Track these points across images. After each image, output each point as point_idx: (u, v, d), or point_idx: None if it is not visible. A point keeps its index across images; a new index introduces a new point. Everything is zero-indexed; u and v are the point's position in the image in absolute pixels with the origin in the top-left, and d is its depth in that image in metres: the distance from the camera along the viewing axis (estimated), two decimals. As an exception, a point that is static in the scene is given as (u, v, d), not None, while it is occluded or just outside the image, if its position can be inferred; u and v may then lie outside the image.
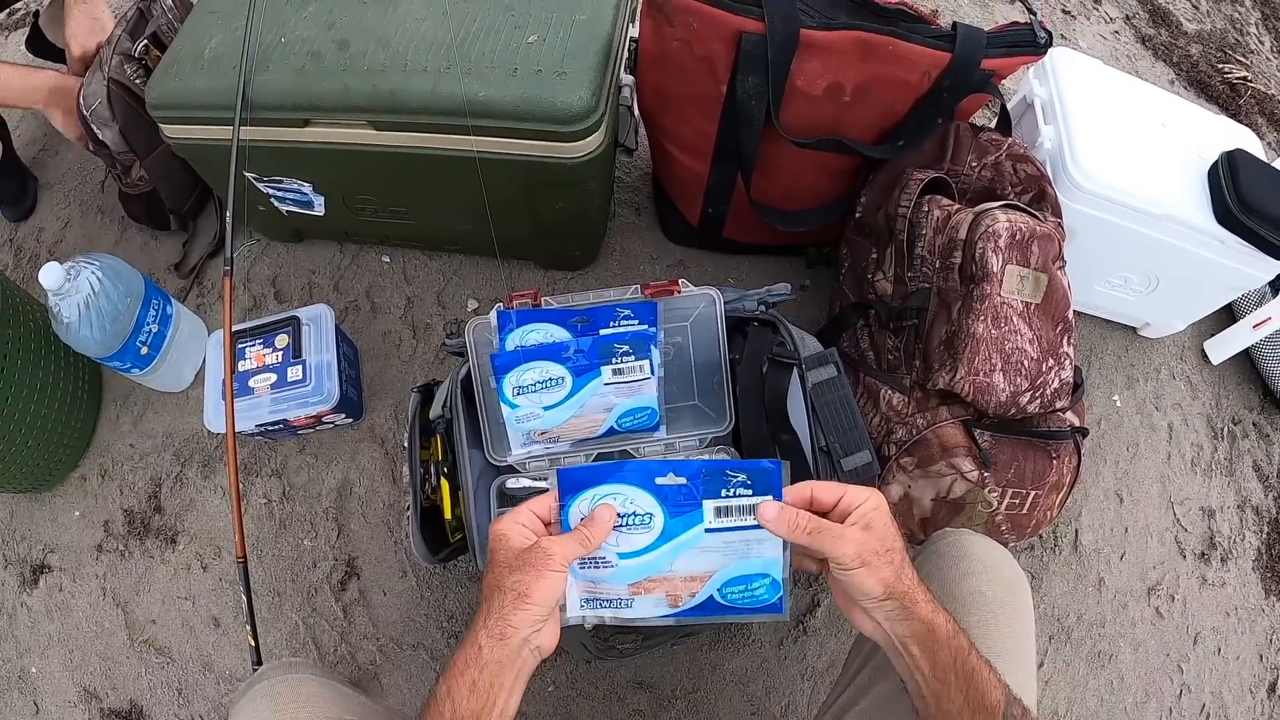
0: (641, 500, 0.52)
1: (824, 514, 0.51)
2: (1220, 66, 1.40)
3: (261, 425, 0.94)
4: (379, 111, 0.82)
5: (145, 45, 1.03)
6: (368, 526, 1.01)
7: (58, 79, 1.05)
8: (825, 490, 0.51)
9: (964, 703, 0.48)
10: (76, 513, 1.06)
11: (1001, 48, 0.82)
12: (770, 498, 0.51)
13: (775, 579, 0.54)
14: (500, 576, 0.49)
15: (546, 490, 0.64)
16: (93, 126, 1.01)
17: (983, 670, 0.48)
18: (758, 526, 0.52)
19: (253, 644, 0.80)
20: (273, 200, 0.99)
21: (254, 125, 0.85)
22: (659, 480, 0.52)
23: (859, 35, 0.77)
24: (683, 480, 0.52)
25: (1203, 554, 1.06)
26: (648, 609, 0.54)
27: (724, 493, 0.52)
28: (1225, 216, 0.93)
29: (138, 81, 1.01)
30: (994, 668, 0.49)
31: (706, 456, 0.76)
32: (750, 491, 0.52)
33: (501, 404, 0.74)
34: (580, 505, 0.52)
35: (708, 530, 0.52)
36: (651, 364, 0.74)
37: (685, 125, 0.89)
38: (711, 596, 0.54)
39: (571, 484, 0.53)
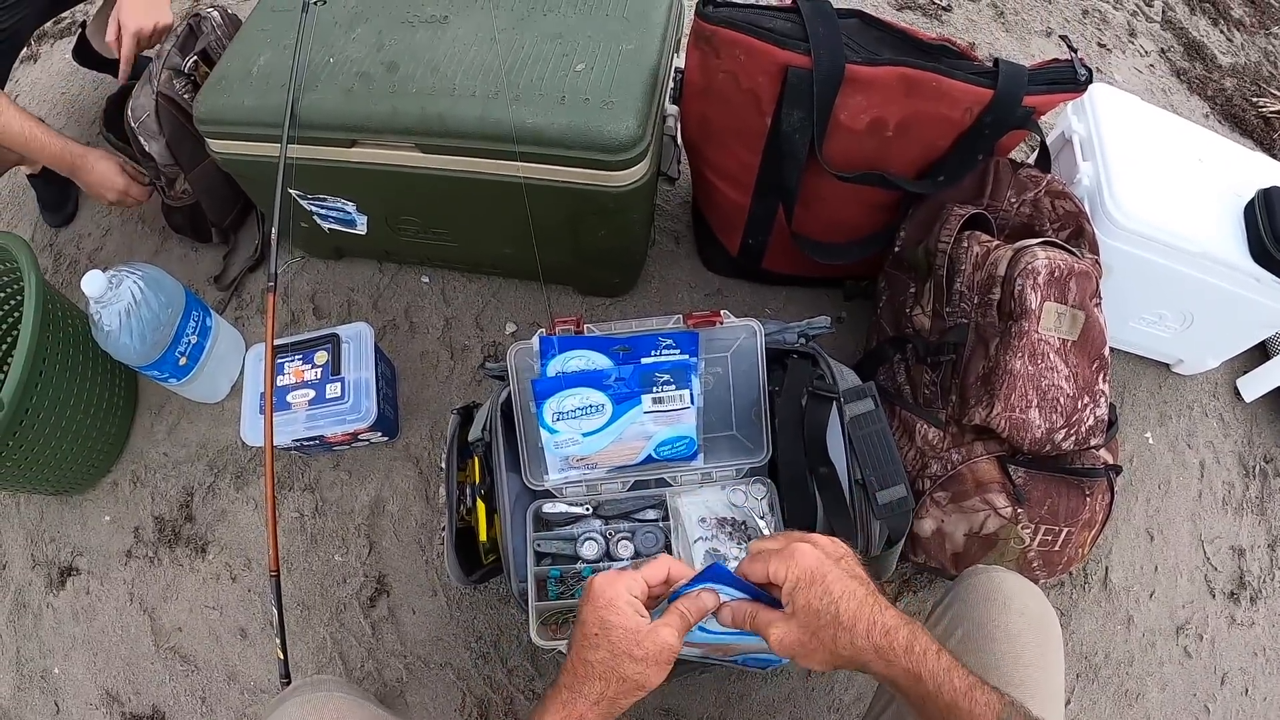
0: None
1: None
2: (1255, 100, 1.40)
3: (297, 440, 0.95)
4: (426, 134, 0.83)
5: (195, 61, 1.05)
6: (399, 544, 1.01)
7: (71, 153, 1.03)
8: (753, 574, 0.52)
9: None
10: (107, 517, 1.07)
11: (1043, 85, 0.82)
12: (726, 604, 0.53)
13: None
14: (619, 661, 0.49)
15: (584, 514, 0.64)
16: (140, 139, 1.02)
17: (961, 706, 0.47)
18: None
19: (281, 658, 0.80)
20: (315, 218, 1.00)
21: (300, 144, 0.86)
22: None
23: (903, 71, 0.78)
24: None
25: (1232, 593, 1.05)
26: (686, 652, 0.57)
27: None
28: (1261, 254, 0.93)
29: (186, 96, 1.03)
30: (985, 690, 0.48)
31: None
32: None
33: (541, 429, 0.75)
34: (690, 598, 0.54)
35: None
36: (692, 394, 0.75)
37: (728, 156, 0.90)
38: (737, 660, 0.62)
39: (715, 578, 0.54)
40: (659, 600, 0.53)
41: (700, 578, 0.53)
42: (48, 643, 1.03)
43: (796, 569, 0.50)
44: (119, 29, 1.03)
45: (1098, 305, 0.84)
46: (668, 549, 0.75)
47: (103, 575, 1.05)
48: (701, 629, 0.55)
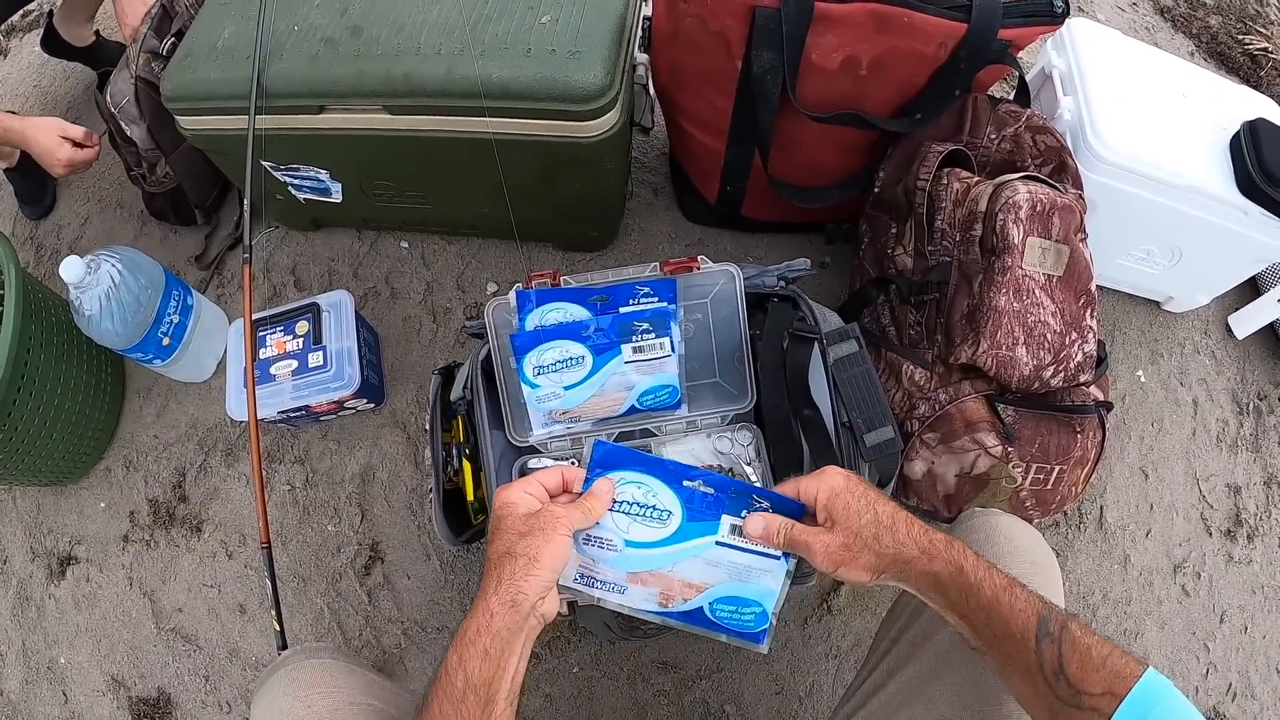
0: (665, 497, 0.54)
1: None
2: (1240, 38, 1.38)
3: (284, 412, 0.95)
4: (393, 96, 0.82)
5: (172, 43, 1.04)
6: (391, 511, 1.01)
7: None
8: (784, 491, 0.53)
9: (992, 634, 0.48)
10: (102, 504, 1.08)
11: (1018, 17, 0.80)
12: (758, 515, 0.52)
13: (765, 610, 0.55)
14: (510, 543, 0.49)
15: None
16: (120, 124, 1.01)
17: (1002, 600, 0.47)
18: (765, 554, 0.54)
19: (278, 629, 0.81)
20: (290, 189, 1.00)
21: (269, 114, 0.86)
22: (687, 482, 0.54)
23: (873, 7, 0.77)
24: (710, 490, 0.54)
25: (1229, 531, 1.05)
26: (638, 600, 0.55)
27: (744, 514, 0.53)
28: (1248, 187, 0.92)
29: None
30: (1023, 588, 0.48)
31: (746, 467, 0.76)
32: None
33: (522, 384, 0.74)
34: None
35: (718, 543, 0.54)
36: (672, 341, 0.74)
37: (701, 103, 0.89)
38: (701, 608, 0.55)
39: (605, 459, 0.54)
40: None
41: (592, 466, 0.53)
42: (52, 633, 1.04)
43: (829, 482, 0.51)
44: (130, 29, 1.04)
45: (1083, 240, 0.83)
46: (655, 498, 0.74)
47: (101, 562, 1.05)
48: (633, 544, 0.53)
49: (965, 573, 0.48)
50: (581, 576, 0.55)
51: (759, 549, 0.54)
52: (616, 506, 0.54)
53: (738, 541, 0.54)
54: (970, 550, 0.49)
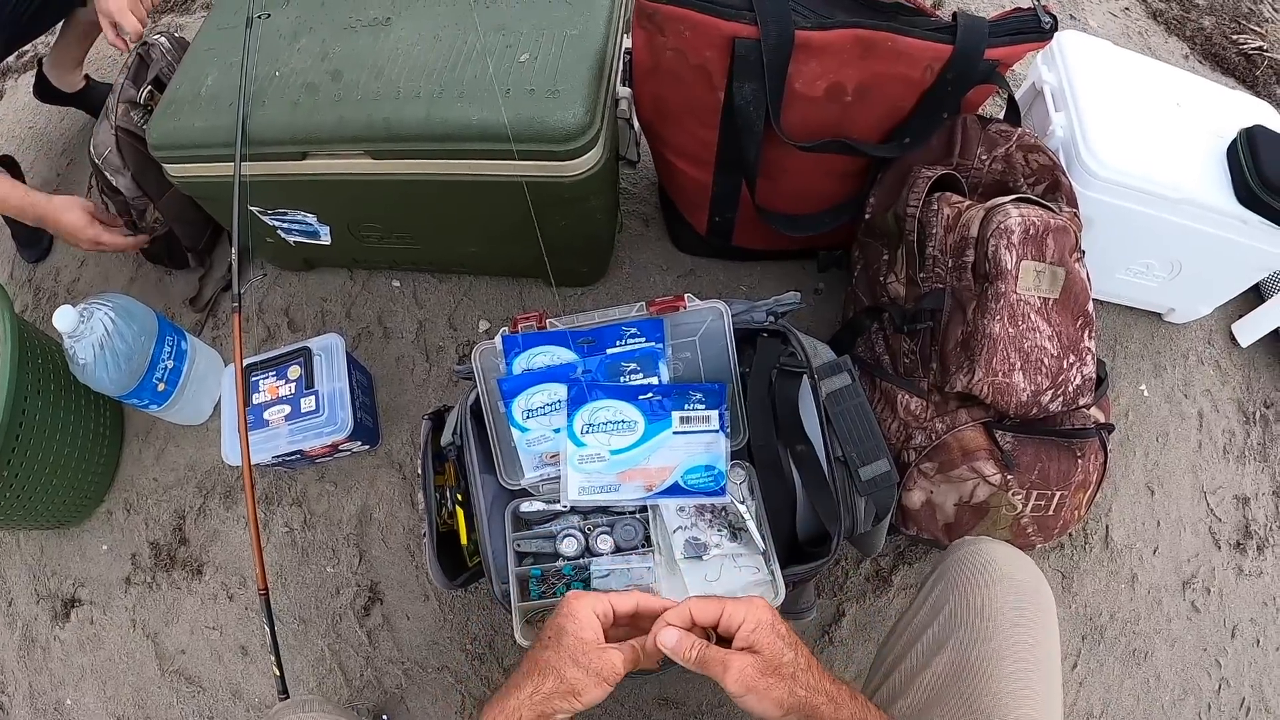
0: (629, 411, 0.72)
1: (713, 624, 0.52)
2: (1235, 38, 1.36)
3: (278, 456, 0.95)
4: (375, 141, 0.82)
5: (149, 91, 1.04)
6: (389, 551, 1.01)
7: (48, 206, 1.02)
8: (703, 611, 0.53)
9: None
10: (104, 547, 1.08)
11: (1005, 36, 0.79)
12: (672, 626, 0.53)
13: (720, 470, 0.73)
14: (563, 663, 0.51)
15: (562, 511, 0.72)
16: (106, 175, 1.02)
17: None
18: (709, 431, 0.72)
19: (277, 674, 0.81)
20: (279, 232, 1.00)
21: (253, 160, 0.85)
22: (641, 397, 0.72)
23: (857, 33, 0.76)
24: (659, 397, 0.72)
25: (1238, 543, 1.03)
26: (630, 493, 0.73)
27: (686, 406, 0.73)
28: (1247, 196, 0.90)
29: (144, 127, 1.01)
30: None
31: None
32: (703, 406, 0.73)
33: (512, 428, 0.74)
34: (582, 415, 0.72)
35: (674, 433, 0.73)
36: (661, 381, 0.74)
37: (686, 135, 0.88)
38: (677, 483, 0.73)
39: (579, 397, 0.71)
40: (626, 633, 0.55)
41: (570, 404, 0.68)
42: (58, 675, 1.04)
43: (758, 615, 0.51)
44: (114, 28, 1.00)
45: (1079, 260, 0.82)
46: (647, 540, 0.74)
47: (105, 604, 1.06)
48: (615, 451, 0.71)
49: None
50: (584, 488, 0.72)
51: (703, 428, 0.72)
52: (597, 428, 0.72)
53: (686, 428, 0.72)
54: (873, 704, 0.52)
